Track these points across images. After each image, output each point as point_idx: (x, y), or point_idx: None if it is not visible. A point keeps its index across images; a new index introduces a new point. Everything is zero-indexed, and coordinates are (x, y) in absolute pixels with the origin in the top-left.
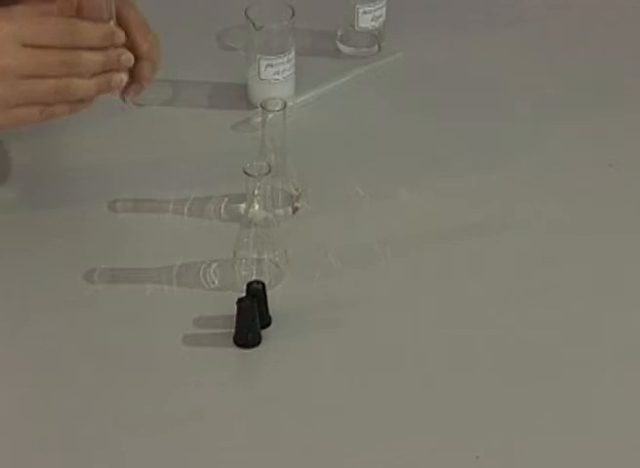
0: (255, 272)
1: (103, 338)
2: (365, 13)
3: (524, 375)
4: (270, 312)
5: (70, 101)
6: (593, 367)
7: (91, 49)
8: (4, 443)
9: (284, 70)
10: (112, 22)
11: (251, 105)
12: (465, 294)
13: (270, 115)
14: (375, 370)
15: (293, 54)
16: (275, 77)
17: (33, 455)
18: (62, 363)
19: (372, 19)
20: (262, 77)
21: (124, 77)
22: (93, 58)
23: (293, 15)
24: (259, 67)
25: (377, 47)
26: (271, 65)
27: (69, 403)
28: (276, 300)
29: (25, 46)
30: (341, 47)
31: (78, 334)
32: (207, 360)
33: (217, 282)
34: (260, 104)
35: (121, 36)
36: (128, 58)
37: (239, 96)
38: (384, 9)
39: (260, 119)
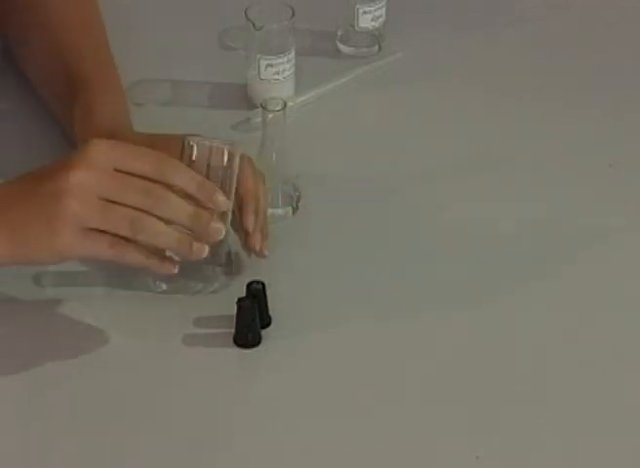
0: (254, 272)
1: (103, 339)
2: (365, 13)
3: (524, 375)
4: (270, 312)
5: (144, 249)
6: (593, 367)
7: (182, 195)
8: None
9: (284, 70)
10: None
11: (251, 105)
12: (466, 294)
13: (270, 115)
14: (375, 369)
15: (293, 54)
16: (275, 77)
17: (33, 454)
18: (62, 363)
19: (372, 19)
20: (262, 77)
21: (206, 249)
22: (180, 204)
23: (293, 15)
24: (259, 67)
25: (377, 47)
26: (271, 65)
27: (68, 403)
28: (276, 300)
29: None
30: (341, 47)
31: (77, 335)
32: (207, 360)
33: (216, 282)
34: (260, 104)
35: (222, 201)
36: (218, 229)
37: (239, 96)
38: (384, 9)
39: (260, 119)
